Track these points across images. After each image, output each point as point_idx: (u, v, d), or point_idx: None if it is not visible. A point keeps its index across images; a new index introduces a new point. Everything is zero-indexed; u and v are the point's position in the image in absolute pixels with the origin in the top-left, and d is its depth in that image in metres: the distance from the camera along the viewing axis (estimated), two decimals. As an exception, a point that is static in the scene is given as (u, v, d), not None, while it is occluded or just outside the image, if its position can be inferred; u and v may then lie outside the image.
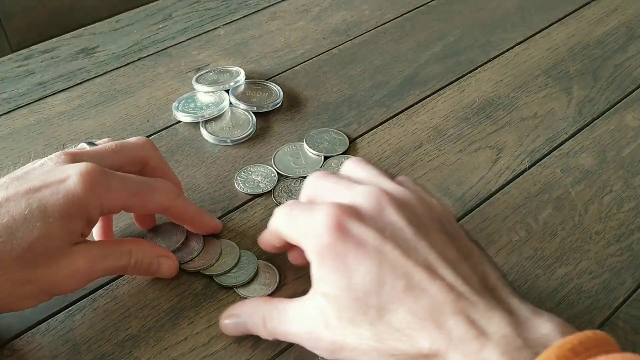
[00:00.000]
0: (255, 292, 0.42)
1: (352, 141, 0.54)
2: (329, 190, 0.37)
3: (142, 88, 0.60)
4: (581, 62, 0.64)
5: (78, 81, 0.61)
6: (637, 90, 0.61)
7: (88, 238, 0.40)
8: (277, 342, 0.40)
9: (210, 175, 0.51)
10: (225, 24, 0.69)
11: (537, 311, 0.31)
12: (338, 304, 0.33)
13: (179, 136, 0.55)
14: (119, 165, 0.41)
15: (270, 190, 0.50)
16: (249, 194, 0.50)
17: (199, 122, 0.55)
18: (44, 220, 0.36)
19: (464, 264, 0.33)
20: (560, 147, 0.54)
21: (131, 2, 0.73)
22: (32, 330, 0.40)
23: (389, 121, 0.57)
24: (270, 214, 0.39)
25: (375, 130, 0.56)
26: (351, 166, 0.39)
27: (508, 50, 0.65)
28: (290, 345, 0.40)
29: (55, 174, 0.38)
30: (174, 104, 0.57)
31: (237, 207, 0.49)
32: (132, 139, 0.44)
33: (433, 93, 0.60)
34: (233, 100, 0.57)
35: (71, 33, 0.67)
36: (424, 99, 0.59)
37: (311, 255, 0.34)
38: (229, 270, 0.43)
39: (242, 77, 0.59)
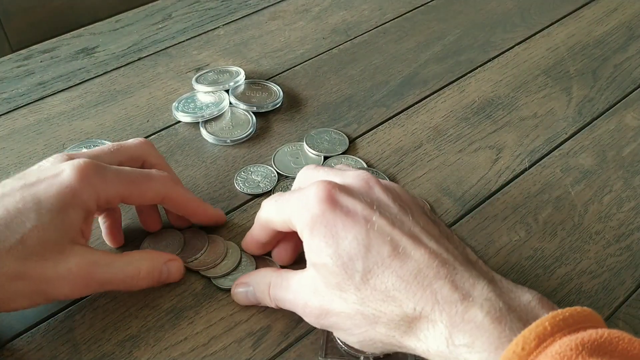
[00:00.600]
0: None
1: (352, 141, 0.54)
2: (320, 177, 0.38)
3: (142, 88, 0.60)
4: (581, 62, 0.64)
5: (78, 81, 0.61)
6: (637, 90, 0.61)
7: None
8: (277, 342, 0.40)
9: (210, 175, 0.51)
10: (225, 24, 0.69)
11: (517, 284, 0.33)
12: (326, 271, 0.34)
13: (179, 136, 0.55)
14: (117, 163, 0.41)
15: (270, 190, 0.50)
16: (249, 194, 0.50)
17: (198, 122, 0.55)
18: (37, 212, 0.36)
19: (446, 241, 0.35)
20: (560, 147, 0.54)
21: (131, 2, 0.73)
22: (32, 330, 0.40)
23: (389, 121, 0.57)
24: (270, 214, 0.39)
25: (375, 130, 0.56)
26: (339, 165, 0.42)
27: (508, 50, 0.65)
28: (291, 345, 0.40)
29: (51, 170, 0.38)
30: (174, 104, 0.57)
31: (237, 207, 0.49)
32: (130, 140, 0.44)
33: (433, 93, 0.60)
34: (233, 100, 0.57)
35: (71, 33, 0.67)
36: (424, 98, 0.59)
37: (303, 229, 0.36)
38: (229, 273, 0.43)
39: (242, 77, 0.59)
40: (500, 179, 0.51)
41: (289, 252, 0.43)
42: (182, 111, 0.56)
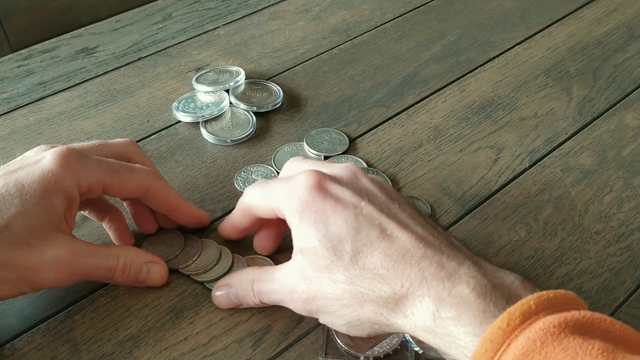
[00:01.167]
0: None
1: (352, 141, 0.54)
2: (307, 167, 0.39)
3: (142, 88, 0.60)
4: (581, 62, 0.64)
5: (78, 81, 0.61)
6: (637, 90, 0.61)
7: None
8: (277, 342, 0.40)
9: (210, 175, 0.51)
10: (225, 24, 0.69)
11: (500, 268, 0.34)
12: (315, 254, 0.35)
13: (179, 136, 0.55)
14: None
15: (270, 190, 0.50)
16: (249, 194, 0.49)
17: (199, 122, 0.55)
18: (21, 198, 0.36)
19: (431, 227, 0.36)
20: (560, 147, 0.54)
21: (131, 2, 0.73)
22: (32, 330, 0.40)
23: (389, 121, 0.57)
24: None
25: (375, 130, 0.56)
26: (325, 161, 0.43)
27: (508, 50, 0.65)
28: (291, 345, 0.40)
29: (33, 158, 0.38)
30: (174, 104, 0.57)
31: (237, 207, 0.49)
32: (116, 139, 0.44)
33: (433, 93, 0.60)
34: (233, 100, 0.57)
35: (71, 33, 0.67)
36: (424, 98, 0.59)
37: (291, 215, 0.36)
38: (219, 278, 0.43)
39: (242, 77, 0.59)
40: (500, 179, 0.51)
41: (271, 240, 0.43)
42: (182, 111, 0.56)
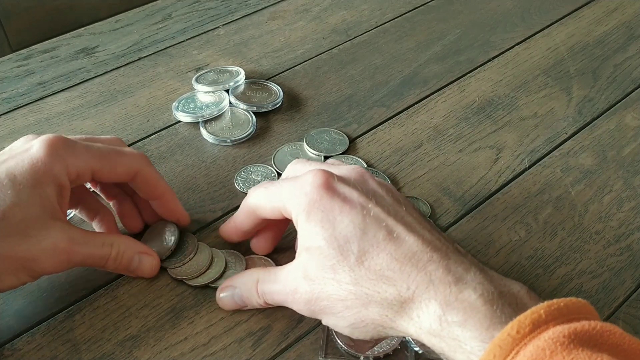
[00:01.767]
0: None
1: (352, 141, 0.54)
2: (313, 168, 0.39)
3: (142, 88, 0.60)
4: (581, 62, 0.64)
5: (78, 81, 0.61)
6: (637, 90, 0.61)
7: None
8: (277, 342, 0.40)
9: (210, 175, 0.51)
10: (225, 24, 0.69)
11: (505, 277, 0.34)
12: (320, 254, 0.35)
13: (179, 136, 0.55)
14: None
15: (270, 190, 0.50)
16: (249, 194, 0.49)
17: (199, 122, 0.55)
18: (14, 188, 0.36)
19: (437, 233, 0.36)
20: (560, 147, 0.54)
21: (131, 2, 0.73)
22: (32, 330, 0.40)
23: (389, 121, 0.57)
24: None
25: (375, 130, 0.56)
26: (330, 160, 0.42)
27: (508, 50, 0.65)
28: (291, 345, 0.40)
29: (21, 147, 0.38)
30: (173, 103, 0.57)
31: (237, 207, 0.48)
32: (104, 136, 0.44)
33: (433, 93, 0.60)
34: (233, 100, 0.57)
35: (71, 33, 0.67)
36: (424, 98, 0.59)
37: (299, 214, 0.36)
38: (214, 281, 0.43)
39: (242, 77, 0.59)
40: (500, 179, 0.51)
41: (269, 241, 0.43)
42: (182, 111, 0.56)
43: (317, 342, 0.40)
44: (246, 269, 0.43)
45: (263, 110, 0.57)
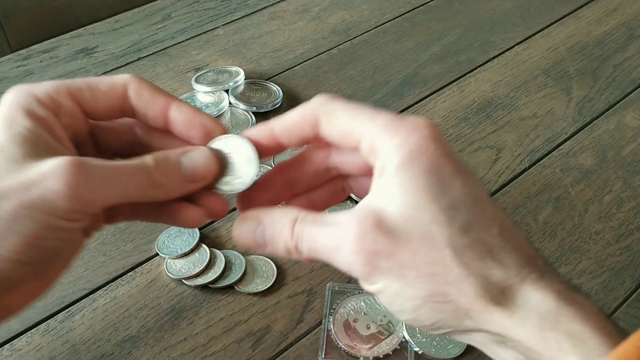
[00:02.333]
0: None
1: (351, 141, 0.54)
2: None
3: (142, 88, 0.60)
4: (581, 62, 0.64)
5: (77, 81, 0.61)
6: (637, 90, 0.61)
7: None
8: (276, 342, 0.40)
9: (210, 175, 0.51)
10: (225, 24, 0.69)
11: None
12: (410, 205, 0.28)
13: (179, 136, 0.55)
14: None
15: (270, 190, 0.49)
16: (249, 194, 0.49)
17: (198, 122, 0.55)
18: None
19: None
20: (560, 147, 0.54)
21: (131, 2, 0.73)
22: (32, 330, 0.40)
23: (389, 121, 0.57)
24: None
25: (374, 130, 0.56)
26: None
27: (508, 50, 0.65)
28: (290, 345, 0.40)
29: None
30: (173, 104, 0.57)
31: (236, 208, 0.48)
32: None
33: (433, 93, 0.60)
34: (232, 100, 0.57)
35: (71, 33, 0.67)
36: (424, 98, 0.59)
37: (394, 156, 0.29)
38: (214, 282, 0.42)
39: (241, 77, 0.59)
40: (500, 179, 0.51)
41: (332, 196, 0.35)
42: (182, 111, 0.56)
43: (317, 342, 0.40)
44: (246, 269, 0.43)
45: (263, 111, 0.57)
